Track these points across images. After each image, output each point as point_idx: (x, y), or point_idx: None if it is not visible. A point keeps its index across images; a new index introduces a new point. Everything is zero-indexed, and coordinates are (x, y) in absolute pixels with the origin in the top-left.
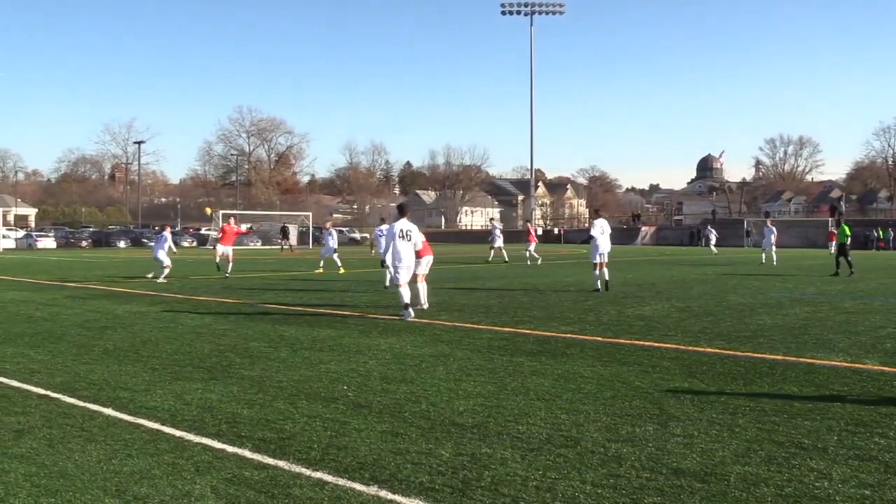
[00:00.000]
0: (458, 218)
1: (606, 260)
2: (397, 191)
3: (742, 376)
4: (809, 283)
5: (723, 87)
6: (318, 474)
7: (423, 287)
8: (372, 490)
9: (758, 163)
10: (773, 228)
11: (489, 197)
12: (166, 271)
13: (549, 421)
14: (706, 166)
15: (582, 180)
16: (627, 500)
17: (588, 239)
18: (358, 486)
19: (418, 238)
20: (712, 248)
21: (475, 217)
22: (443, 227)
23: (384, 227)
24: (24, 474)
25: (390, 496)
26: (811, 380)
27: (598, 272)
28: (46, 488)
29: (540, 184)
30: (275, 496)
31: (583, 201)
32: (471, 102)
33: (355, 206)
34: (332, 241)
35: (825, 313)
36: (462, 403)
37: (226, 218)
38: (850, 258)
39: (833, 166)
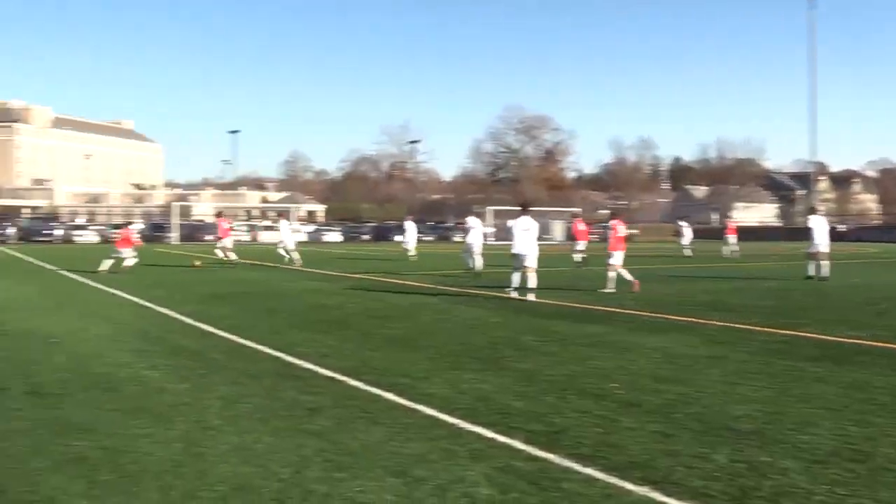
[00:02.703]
0: (733, 214)
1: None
2: (666, 186)
3: None
4: None
5: None
6: (589, 470)
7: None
8: (643, 490)
9: None
10: None
11: (765, 192)
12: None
13: (835, 432)
14: None
15: (871, 173)
16: None
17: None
18: (629, 486)
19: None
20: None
21: (750, 213)
22: (716, 224)
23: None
24: (317, 449)
25: (662, 498)
26: None
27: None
28: (336, 464)
29: (823, 177)
30: (545, 489)
31: (873, 196)
32: (745, 92)
33: (623, 202)
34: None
35: None
36: (738, 408)
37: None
38: None
39: None
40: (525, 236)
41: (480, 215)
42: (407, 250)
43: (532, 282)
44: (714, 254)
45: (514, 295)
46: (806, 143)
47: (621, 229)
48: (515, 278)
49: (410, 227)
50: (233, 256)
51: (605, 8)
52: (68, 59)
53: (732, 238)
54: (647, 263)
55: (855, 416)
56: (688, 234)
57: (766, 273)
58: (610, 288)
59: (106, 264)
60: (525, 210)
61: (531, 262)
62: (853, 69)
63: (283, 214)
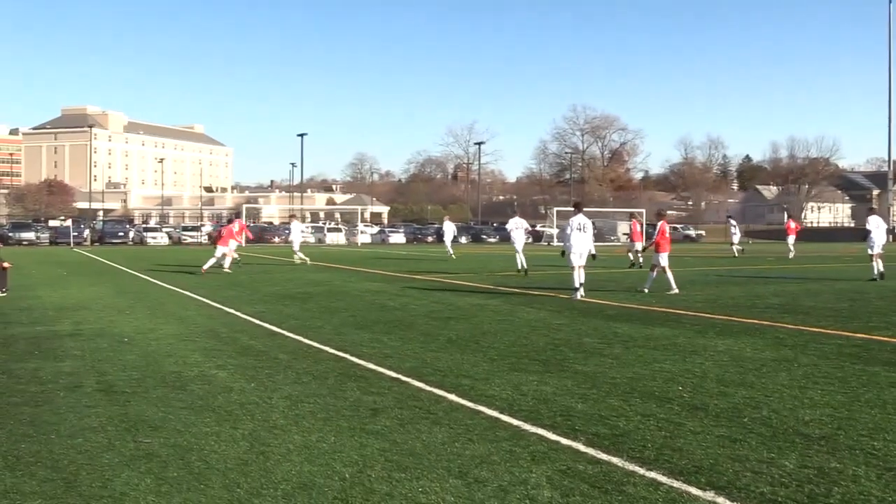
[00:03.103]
0: (804, 215)
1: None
2: (735, 186)
3: None
4: None
5: None
6: (653, 474)
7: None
8: (709, 495)
9: None
10: None
11: (838, 192)
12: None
13: None
14: None
15: None
16: None
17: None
18: (693, 490)
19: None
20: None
21: (822, 214)
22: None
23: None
24: (379, 449)
25: (728, 503)
26: None
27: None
28: (398, 464)
29: None
30: (608, 492)
31: None
32: (818, 88)
33: (690, 203)
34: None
35: None
36: (807, 412)
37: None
38: None
39: None
40: (580, 235)
41: (546, 216)
42: (447, 251)
43: (582, 277)
44: (782, 255)
45: (577, 296)
46: (882, 139)
47: (667, 230)
48: (575, 277)
49: (448, 227)
50: (225, 262)
51: (672, 6)
52: (142, 66)
53: (791, 238)
54: (715, 265)
55: None
56: (737, 232)
57: (838, 274)
58: (674, 290)
59: (226, 262)
60: (579, 208)
61: (582, 260)
62: None
63: (294, 216)
